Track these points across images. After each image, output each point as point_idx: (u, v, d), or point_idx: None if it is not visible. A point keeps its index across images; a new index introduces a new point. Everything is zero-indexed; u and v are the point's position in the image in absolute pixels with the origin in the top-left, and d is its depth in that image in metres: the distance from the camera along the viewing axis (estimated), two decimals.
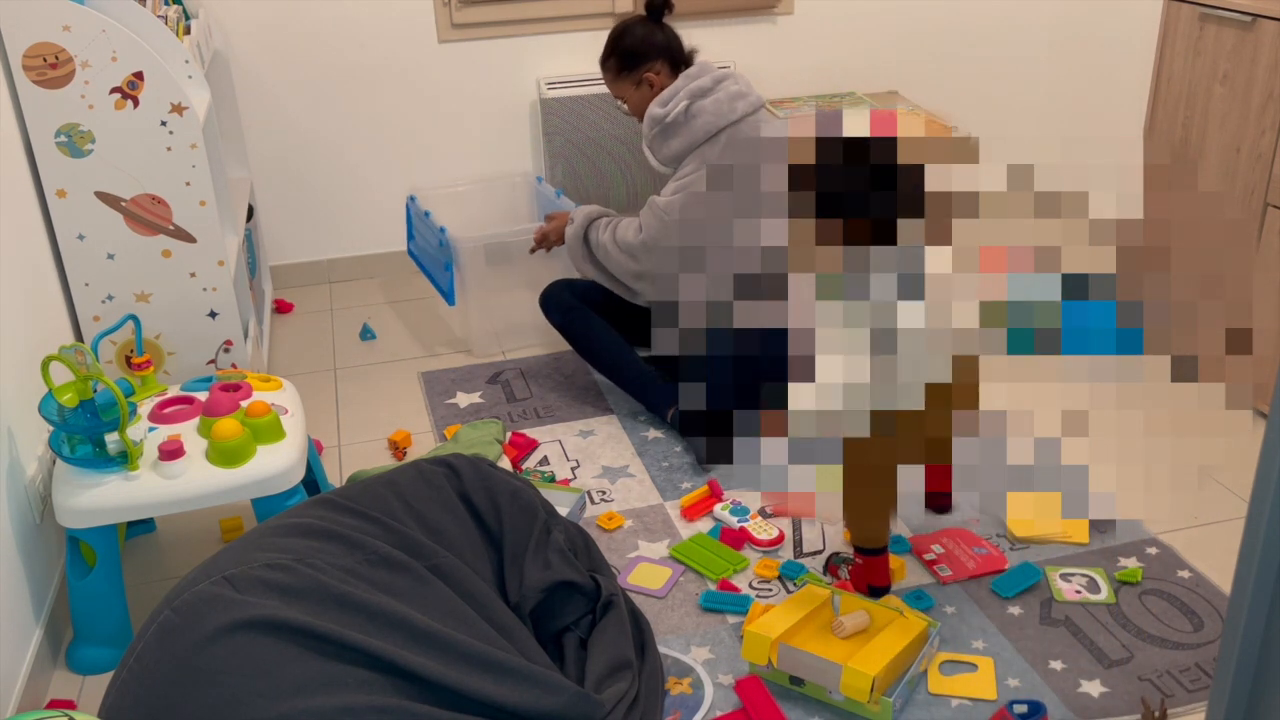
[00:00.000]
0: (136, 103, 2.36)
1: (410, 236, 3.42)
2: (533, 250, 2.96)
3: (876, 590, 2.07)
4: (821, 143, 1.63)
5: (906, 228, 1.57)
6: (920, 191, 1.58)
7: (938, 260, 1.58)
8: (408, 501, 1.85)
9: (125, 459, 1.98)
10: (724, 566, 2.21)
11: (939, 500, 2.33)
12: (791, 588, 2.16)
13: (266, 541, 1.66)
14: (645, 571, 2.21)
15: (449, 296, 3.07)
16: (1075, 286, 1.57)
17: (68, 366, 1.93)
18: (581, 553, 2.02)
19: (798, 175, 1.63)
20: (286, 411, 2.16)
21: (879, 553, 2.04)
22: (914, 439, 1.64)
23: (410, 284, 3.69)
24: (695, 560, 2.23)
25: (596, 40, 3.60)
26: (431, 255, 3.19)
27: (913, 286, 1.57)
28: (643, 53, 2.72)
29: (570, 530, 2.04)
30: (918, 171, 1.59)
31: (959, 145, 1.78)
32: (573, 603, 1.89)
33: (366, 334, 3.33)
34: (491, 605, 1.74)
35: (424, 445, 2.72)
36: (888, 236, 1.59)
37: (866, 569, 2.07)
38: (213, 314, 2.57)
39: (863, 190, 1.60)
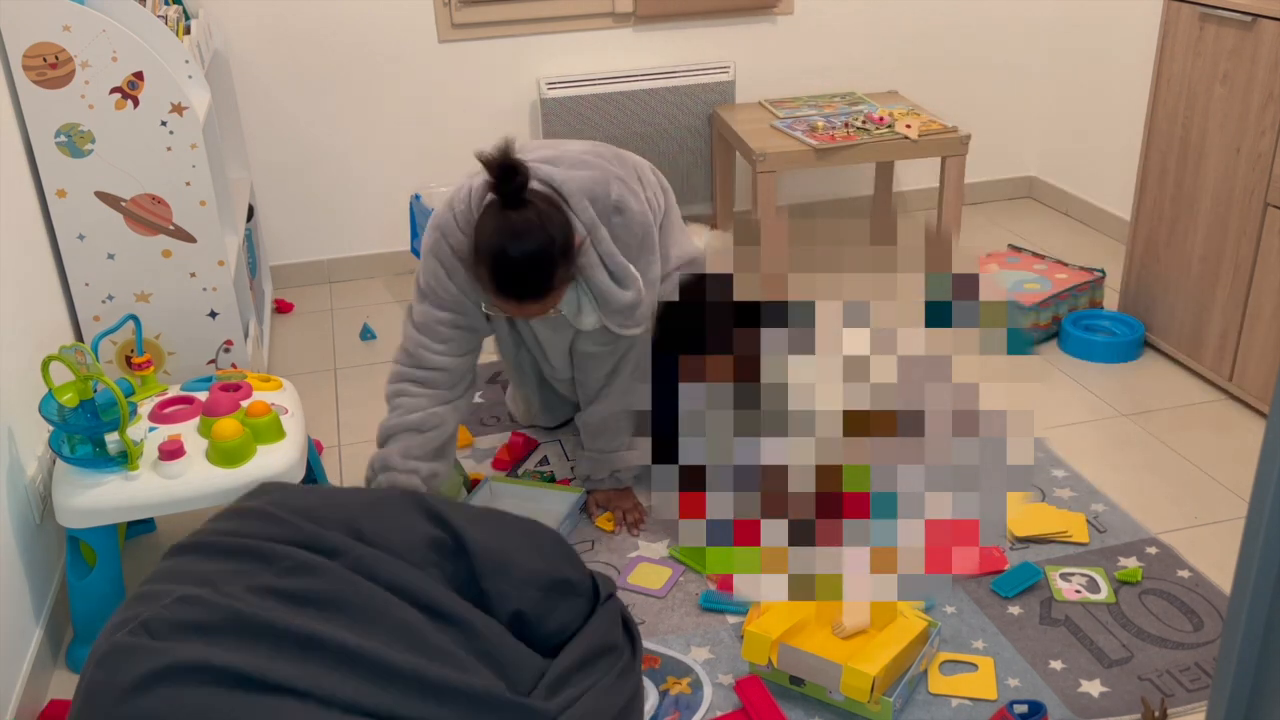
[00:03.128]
0: (136, 103, 2.36)
1: (414, 235, 3.42)
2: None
3: None
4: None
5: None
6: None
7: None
8: (322, 495, 1.78)
9: (125, 459, 1.98)
10: None
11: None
12: None
13: (181, 569, 1.61)
14: (645, 571, 2.21)
15: None
16: None
17: (68, 366, 1.93)
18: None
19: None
20: (286, 411, 2.16)
21: None
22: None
23: (411, 283, 3.68)
24: (696, 560, 2.23)
25: (597, 40, 3.63)
26: None
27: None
28: (570, 226, 2.07)
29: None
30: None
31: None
32: (571, 604, 1.77)
33: (366, 334, 3.33)
34: (425, 592, 1.62)
35: None
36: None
37: None
38: (213, 314, 2.57)
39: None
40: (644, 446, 2.44)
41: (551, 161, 2.16)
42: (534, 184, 2.05)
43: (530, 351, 2.44)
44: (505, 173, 1.95)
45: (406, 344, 2.26)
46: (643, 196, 2.23)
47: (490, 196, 1.99)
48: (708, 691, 1.89)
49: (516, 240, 1.95)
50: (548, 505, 2.41)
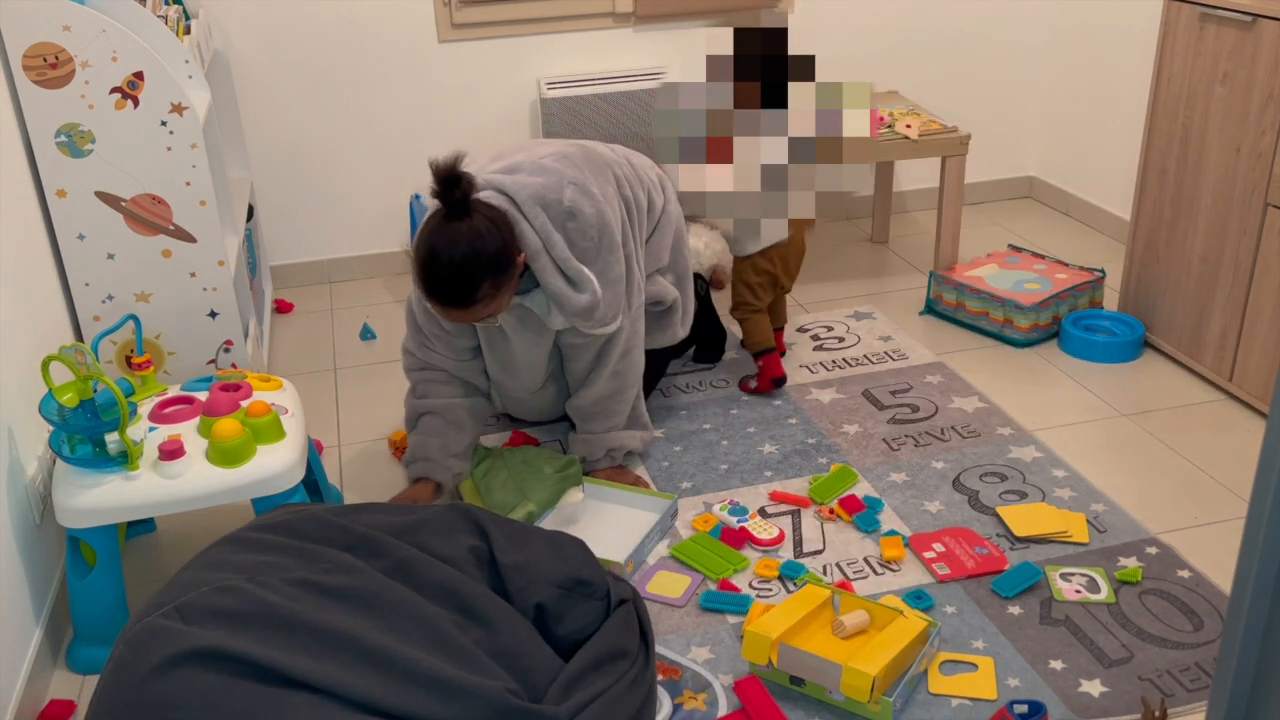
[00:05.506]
0: (136, 103, 2.36)
1: (414, 235, 3.42)
2: None
3: (778, 381, 2.82)
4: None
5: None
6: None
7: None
8: (377, 509, 1.88)
9: (125, 459, 1.98)
10: (724, 566, 2.20)
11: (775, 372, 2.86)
12: (791, 588, 2.16)
13: (223, 559, 1.66)
14: (665, 580, 2.20)
15: None
16: None
17: (68, 366, 1.93)
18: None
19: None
20: (286, 411, 2.16)
21: (770, 352, 2.85)
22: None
23: (410, 283, 3.68)
24: (695, 560, 2.23)
25: (597, 40, 3.63)
26: None
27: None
28: (511, 244, 2.14)
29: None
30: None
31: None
32: (588, 605, 1.82)
33: (366, 334, 3.33)
34: (462, 591, 1.70)
35: None
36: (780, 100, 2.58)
37: (767, 367, 2.83)
38: (213, 314, 2.57)
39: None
40: (637, 423, 2.50)
41: (512, 170, 2.24)
42: (489, 194, 2.16)
43: (504, 357, 2.46)
44: (447, 183, 2.04)
45: (408, 333, 2.44)
46: (604, 196, 2.27)
47: (437, 204, 2.10)
48: (722, 704, 1.88)
49: (444, 249, 2.06)
50: (640, 507, 2.40)
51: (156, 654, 1.47)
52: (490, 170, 2.25)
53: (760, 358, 2.85)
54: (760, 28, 2.67)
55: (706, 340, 3.01)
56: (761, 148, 2.58)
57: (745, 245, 2.84)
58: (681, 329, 2.65)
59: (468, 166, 2.14)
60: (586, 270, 2.21)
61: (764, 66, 2.62)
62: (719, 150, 2.58)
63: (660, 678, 1.93)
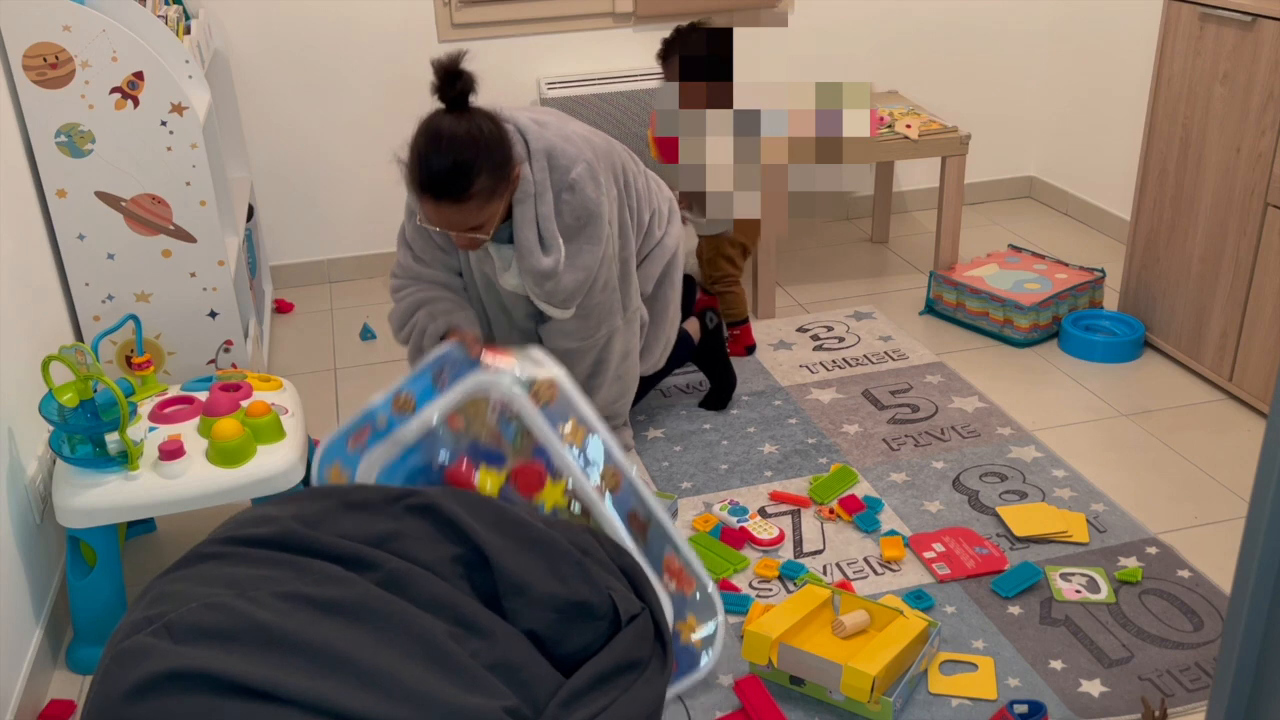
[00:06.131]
0: (136, 103, 2.36)
1: None
2: None
3: (750, 349, 3.09)
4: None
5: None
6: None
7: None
8: (348, 504, 1.78)
9: (125, 459, 1.98)
10: (724, 566, 2.21)
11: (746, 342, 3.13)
12: (791, 588, 2.16)
13: (210, 572, 1.62)
14: None
15: None
16: None
17: (68, 366, 1.93)
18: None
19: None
20: (286, 411, 2.16)
21: (744, 323, 3.10)
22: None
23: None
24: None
25: (597, 40, 3.63)
26: None
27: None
28: (510, 151, 2.12)
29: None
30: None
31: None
32: (590, 626, 1.73)
33: (366, 334, 3.33)
34: (454, 603, 1.64)
35: None
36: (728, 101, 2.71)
37: (741, 336, 3.09)
38: (213, 314, 2.57)
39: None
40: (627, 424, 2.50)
41: (539, 124, 2.24)
42: (507, 127, 2.15)
43: (494, 307, 2.43)
44: (449, 77, 2.02)
45: (398, 257, 2.38)
46: (609, 195, 2.25)
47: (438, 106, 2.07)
48: (723, 704, 1.88)
49: (442, 135, 2.01)
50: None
51: (143, 672, 1.44)
52: (519, 113, 2.24)
53: (735, 328, 3.08)
54: (708, 27, 2.84)
55: (717, 385, 2.85)
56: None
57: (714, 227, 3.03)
58: (659, 359, 2.61)
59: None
60: (560, 239, 2.19)
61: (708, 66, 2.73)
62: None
63: (672, 586, 1.88)
